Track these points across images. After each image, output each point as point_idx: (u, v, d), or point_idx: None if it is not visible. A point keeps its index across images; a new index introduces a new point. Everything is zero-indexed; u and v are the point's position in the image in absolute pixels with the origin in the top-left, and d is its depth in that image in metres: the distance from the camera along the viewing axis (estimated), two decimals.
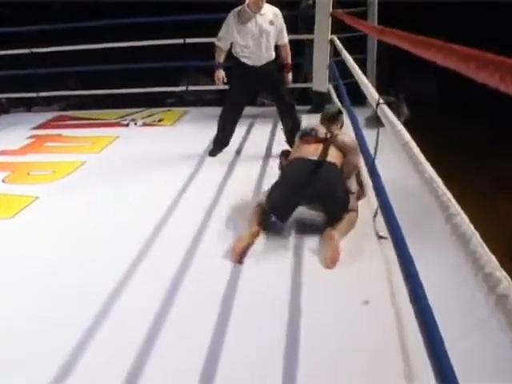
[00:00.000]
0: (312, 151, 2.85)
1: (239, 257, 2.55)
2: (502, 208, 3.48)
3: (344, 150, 2.84)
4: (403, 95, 5.07)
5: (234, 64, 4.06)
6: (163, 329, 2.08)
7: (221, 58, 4.04)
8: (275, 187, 2.81)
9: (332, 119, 3.09)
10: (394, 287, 1.81)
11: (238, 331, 2.05)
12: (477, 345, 1.67)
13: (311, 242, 2.69)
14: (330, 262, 2.49)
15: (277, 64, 4.11)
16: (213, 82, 4.16)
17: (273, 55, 4.05)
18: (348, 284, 2.33)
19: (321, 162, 2.77)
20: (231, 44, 4.02)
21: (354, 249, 2.55)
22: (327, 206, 2.72)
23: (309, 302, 2.20)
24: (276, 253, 2.64)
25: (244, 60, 3.99)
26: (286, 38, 4.10)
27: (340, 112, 3.16)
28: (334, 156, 2.84)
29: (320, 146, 2.87)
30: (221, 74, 4.09)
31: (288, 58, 4.17)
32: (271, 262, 2.57)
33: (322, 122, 3.13)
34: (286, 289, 2.31)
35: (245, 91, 4.11)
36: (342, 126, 3.13)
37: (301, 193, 2.71)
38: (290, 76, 4.22)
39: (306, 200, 2.76)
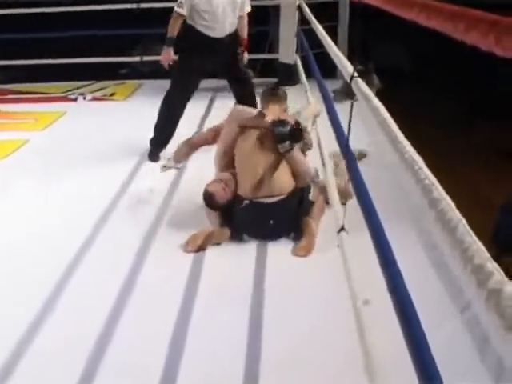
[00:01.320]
0: (261, 184, 2.62)
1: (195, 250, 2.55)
2: (475, 179, 3.53)
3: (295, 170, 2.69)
4: (372, 65, 5.07)
5: (186, 34, 3.60)
6: (117, 327, 2.07)
7: (175, 29, 3.53)
8: (233, 218, 2.68)
9: (281, 100, 2.88)
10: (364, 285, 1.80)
11: (197, 331, 2.05)
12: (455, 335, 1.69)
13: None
14: (304, 251, 2.52)
15: (235, 35, 3.73)
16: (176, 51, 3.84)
17: (235, 25, 3.67)
18: (314, 281, 2.35)
19: (277, 205, 2.62)
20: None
21: (322, 242, 2.56)
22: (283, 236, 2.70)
23: (273, 299, 2.21)
24: (239, 249, 2.62)
25: (202, 29, 3.55)
26: (248, 7, 3.72)
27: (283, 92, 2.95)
28: (285, 182, 2.65)
29: (271, 167, 2.64)
30: (170, 53, 3.60)
31: (244, 31, 3.76)
32: (234, 258, 2.56)
33: (265, 104, 2.88)
34: (249, 286, 2.31)
35: (199, 69, 3.62)
36: (285, 110, 2.93)
37: (264, 234, 2.68)
38: (245, 53, 3.82)
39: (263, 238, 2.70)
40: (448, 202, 0.87)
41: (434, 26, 0.85)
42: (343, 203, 2.38)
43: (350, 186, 1.70)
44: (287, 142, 2.61)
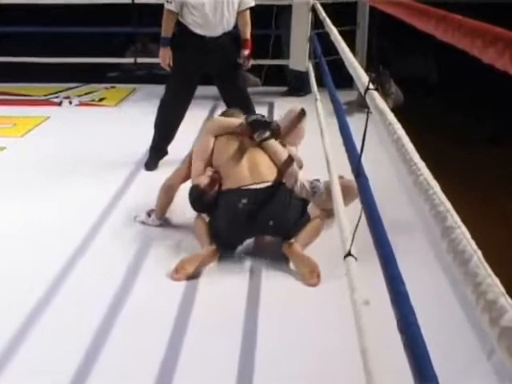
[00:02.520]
0: (246, 172, 2.83)
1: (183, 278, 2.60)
2: (502, 205, 3.56)
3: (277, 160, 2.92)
4: (387, 71, 5.15)
5: (177, 33, 3.69)
6: (102, 353, 2.11)
7: (169, 28, 3.64)
8: (219, 216, 2.78)
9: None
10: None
11: (188, 359, 2.08)
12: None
13: (269, 259, 2.75)
14: (311, 277, 2.55)
15: (236, 35, 3.80)
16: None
17: (232, 23, 3.71)
18: (310, 304, 2.39)
19: (266, 190, 2.77)
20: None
21: (322, 265, 2.59)
22: (283, 235, 2.75)
23: (267, 325, 2.25)
24: (231, 271, 2.67)
25: (192, 28, 3.62)
26: (251, 2, 3.72)
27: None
28: (269, 168, 2.88)
29: (252, 156, 2.89)
30: (167, 53, 3.67)
31: (246, 30, 3.76)
32: (226, 283, 2.60)
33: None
34: (241, 311, 2.36)
35: (192, 72, 3.70)
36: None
37: (250, 230, 2.78)
38: (247, 53, 3.79)
39: (258, 233, 2.85)
40: (462, 231, 0.90)
41: (452, 40, 0.89)
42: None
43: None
44: (263, 131, 2.92)
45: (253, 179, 2.82)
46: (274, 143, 2.97)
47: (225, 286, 2.58)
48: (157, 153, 3.90)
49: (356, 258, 1.78)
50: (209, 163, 2.97)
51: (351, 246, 1.80)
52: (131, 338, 2.22)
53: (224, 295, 2.51)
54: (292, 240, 2.70)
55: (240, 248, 2.83)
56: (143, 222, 3.09)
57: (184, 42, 3.69)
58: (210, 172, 2.90)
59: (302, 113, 3.13)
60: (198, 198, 2.83)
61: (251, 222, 2.72)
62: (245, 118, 3.02)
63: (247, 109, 3.60)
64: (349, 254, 1.84)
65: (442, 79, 6.42)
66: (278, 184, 2.84)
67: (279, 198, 2.77)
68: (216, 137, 3.02)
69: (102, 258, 2.79)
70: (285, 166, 2.91)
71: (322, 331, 2.24)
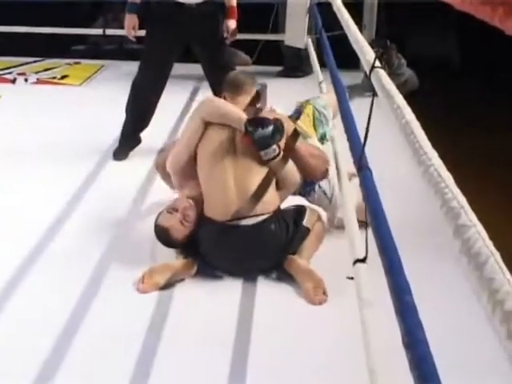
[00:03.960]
0: (233, 197, 2.61)
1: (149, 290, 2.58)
2: None
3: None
4: (394, 46, 5.15)
5: (152, 2, 3.68)
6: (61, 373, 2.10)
7: None
8: (200, 242, 2.69)
9: (252, 89, 2.91)
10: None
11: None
12: None
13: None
14: (316, 293, 2.52)
15: (221, 2, 3.83)
16: (142, 25, 3.95)
17: None
18: (312, 323, 2.39)
19: (257, 228, 2.61)
20: None
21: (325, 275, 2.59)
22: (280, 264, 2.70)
23: (260, 354, 2.24)
24: (214, 283, 2.66)
25: None
26: None
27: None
28: (262, 193, 2.64)
29: (244, 172, 2.65)
30: (133, 20, 3.68)
31: None
32: (212, 295, 2.59)
33: (232, 95, 2.88)
34: (228, 332, 2.35)
35: (169, 47, 3.71)
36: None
37: (237, 268, 2.70)
38: (232, 24, 3.84)
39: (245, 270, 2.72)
40: (478, 230, 0.90)
41: (469, 9, 0.89)
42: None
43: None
44: (272, 147, 2.63)
45: (243, 211, 2.62)
46: (283, 160, 2.71)
47: (206, 300, 2.57)
48: (128, 141, 3.89)
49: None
50: (192, 155, 2.77)
51: (366, 250, 1.80)
52: (93, 357, 2.21)
53: (206, 312, 2.49)
54: (295, 255, 2.67)
55: None
56: None
57: (159, 11, 3.67)
58: (181, 206, 2.70)
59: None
60: (164, 241, 2.72)
61: (238, 263, 2.67)
62: (247, 123, 2.64)
63: None
64: (360, 260, 1.85)
65: (465, 61, 6.43)
66: (273, 213, 2.67)
67: (275, 233, 2.65)
68: (207, 124, 2.78)
69: (60, 262, 2.78)
70: (291, 187, 2.80)
71: (325, 350, 2.24)
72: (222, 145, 2.71)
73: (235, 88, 2.91)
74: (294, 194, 2.91)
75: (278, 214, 2.70)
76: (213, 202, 2.68)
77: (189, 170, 2.79)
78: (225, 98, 2.90)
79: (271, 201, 2.68)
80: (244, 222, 2.62)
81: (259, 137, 2.60)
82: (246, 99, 2.89)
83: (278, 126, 2.64)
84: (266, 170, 2.69)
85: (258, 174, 2.68)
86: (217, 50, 3.82)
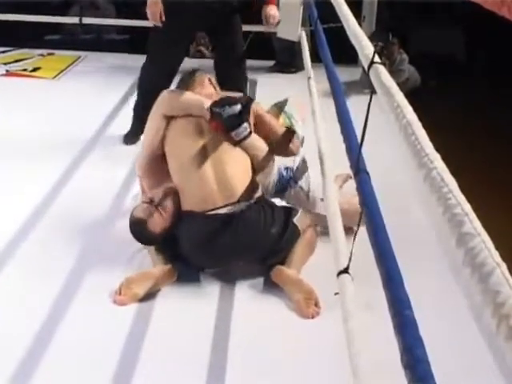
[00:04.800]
0: (213, 186, 2.64)
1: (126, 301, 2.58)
2: None
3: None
4: (396, 39, 5.17)
5: None
6: None
7: None
8: (179, 240, 2.71)
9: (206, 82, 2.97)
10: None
11: None
12: None
13: (246, 279, 2.74)
14: (307, 305, 2.52)
15: None
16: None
17: None
18: (300, 338, 2.40)
19: (242, 214, 2.64)
20: None
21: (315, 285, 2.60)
22: (271, 261, 2.71)
23: (239, 364, 2.26)
24: (194, 294, 2.67)
25: None
26: None
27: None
28: (244, 177, 2.71)
29: (220, 158, 2.69)
30: (159, 5, 3.70)
31: None
32: (190, 304, 2.60)
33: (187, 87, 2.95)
34: (208, 346, 2.36)
35: (182, 33, 3.84)
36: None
37: (223, 261, 2.72)
38: (274, 9, 4.01)
39: (229, 263, 2.76)
40: (483, 239, 0.91)
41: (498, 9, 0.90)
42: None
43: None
44: (243, 125, 2.67)
45: (223, 199, 2.65)
46: (253, 137, 2.78)
47: (186, 312, 2.57)
48: (139, 123, 3.80)
49: (352, 277, 1.79)
50: (159, 154, 2.81)
51: (350, 260, 1.81)
52: (66, 373, 2.21)
53: (185, 325, 2.50)
54: (284, 265, 2.67)
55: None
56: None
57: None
58: (157, 196, 2.71)
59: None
60: (141, 235, 2.70)
61: (224, 255, 2.67)
62: (212, 105, 2.72)
63: (238, 84, 3.78)
64: (344, 270, 1.85)
65: (471, 58, 6.48)
66: (256, 200, 2.71)
67: (262, 222, 2.66)
68: (168, 118, 2.83)
69: (29, 269, 2.78)
70: (266, 163, 2.84)
71: (312, 367, 2.24)
72: (190, 136, 2.76)
73: (185, 82, 2.99)
74: (270, 195, 2.94)
75: (263, 202, 2.72)
76: (190, 195, 2.70)
77: (159, 171, 2.82)
78: None
79: (252, 188, 2.72)
80: (225, 210, 2.64)
81: (228, 116, 2.66)
82: (201, 90, 2.94)
83: (245, 102, 2.71)
84: (241, 153, 2.74)
85: (234, 158, 2.73)
86: (234, 38, 3.96)
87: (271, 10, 4.00)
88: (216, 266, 2.74)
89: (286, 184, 2.92)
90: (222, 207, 2.64)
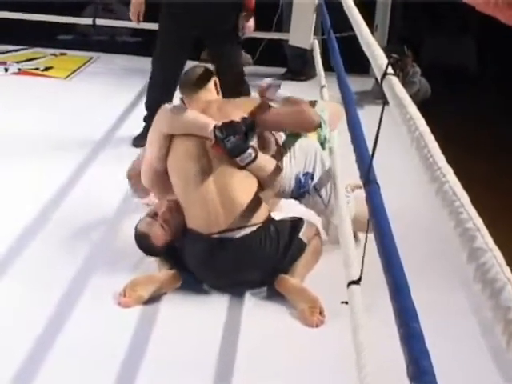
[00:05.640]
0: (218, 209, 2.59)
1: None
2: None
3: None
4: (410, 51, 5.16)
5: None
6: None
7: None
8: (185, 254, 2.71)
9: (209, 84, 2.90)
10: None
11: None
12: None
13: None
14: (312, 314, 2.50)
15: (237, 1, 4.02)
16: (144, 17, 4.03)
17: None
18: (305, 348, 2.39)
19: (248, 238, 2.60)
20: None
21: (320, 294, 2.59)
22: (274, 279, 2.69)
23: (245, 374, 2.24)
24: (198, 302, 2.66)
25: None
26: None
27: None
28: (249, 200, 2.62)
29: (224, 179, 2.62)
30: (142, 6, 3.89)
31: None
32: (197, 310, 2.59)
33: (189, 94, 2.89)
34: (213, 354, 2.35)
35: (177, 38, 3.92)
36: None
37: (228, 284, 2.71)
38: (250, 20, 4.09)
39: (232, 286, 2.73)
40: (495, 254, 0.91)
41: (493, 12, 0.90)
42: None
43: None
44: (247, 152, 2.62)
45: (227, 222, 2.60)
46: (260, 158, 2.69)
47: (191, 317, 2.56)
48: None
49: (360, 286, 1.79)
50: (162, 169, 2.77)
51: (362, 271, 1.81)
52: (69, 376, 2.20)
53: (189, 330, 2.49)
54: (287, 274, 2.66)
55: None
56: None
57: (171, 7, 3.84)
58: (162, 211, 2.71)
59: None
60: (145, 248, 2.71)
61: (226, 277, 2.68)
62: (214, 129, 2.60)
63: (237, 89, 3.72)
64: (355, 281, 1.85)
65: (483, 69, 6.45)
66: (262, 222, 2.66)
67: (264, 247, 2.64)
68: (170, 136, 2.74)
69: (37, 268, 2.78)
70: (274, 181, 2.77)
71: (316, 378, 2.23)
72: (193, 155, 2.68)
73: (190, 86, 2.91)
74: (286, 197, 2.91)
75: (270, 223, 2.69)
76: (195, 215, 2.67)
77: (166, 182, 2.79)
78: (182, 101, 2.91)
79: (259, 210, 2.66)
80: (230, 235, 2.62)
81: (232, 146, 2.59)
82: (205, 95, 2.88)
83: (249, 125, 2.64)
84: (247, 174, 2.67)
85: (239, 180, 2.66)
86: (228, 42, 3.96)
87: (249, 21, 4.08)
88: (218, 285, 2.73)
89: (303, 190, 2.87)
90: (226, 231, 2.61)
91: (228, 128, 2.60)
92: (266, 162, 2.73)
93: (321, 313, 2.52)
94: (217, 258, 2.62)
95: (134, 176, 3.05)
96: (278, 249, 2.67)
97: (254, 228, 2.63)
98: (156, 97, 3.92)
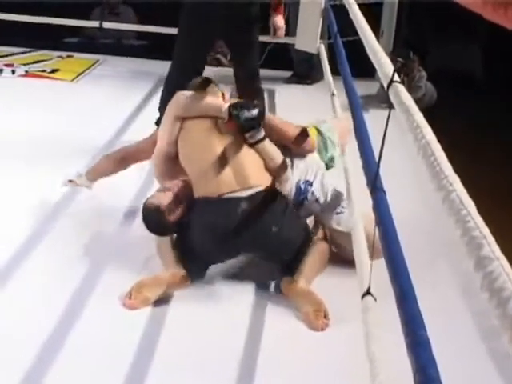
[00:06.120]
0: (229, 174, 2.71)
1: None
2: None
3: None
4: (416, 56, 5.16)
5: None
6: None
7: None
8: (191, 234, 2.74)
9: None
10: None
11: None
12: None
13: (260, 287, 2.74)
14: (316, 317, 2.50)
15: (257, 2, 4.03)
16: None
17: None
18: (313, 353, 2.38)
19: (257, 198, 2.69)
20: None
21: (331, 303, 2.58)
22: (279, 261, 2.74)
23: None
24: (207, 300, 2.67)
25: None
26: None
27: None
28: (260, 170, 2.78)
29: (236, 153, 2.77)
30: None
31: None
32: (201, 315, 2.59)
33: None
34: (217, 353, 2.35)
35: (200, 41, 3.93)
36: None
37: (233, 252, 2.75)
38: (279, 21, 4.14)
39: (240, 253, 2.79)
40: (502, 263, 0.91)
41: (503, 21, 0.90)
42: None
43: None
44: (257, 129, 2.79)
45: (238, 184, 2.71)
46: (267, 142, 2.85)
47: (197, 319, 2.56)
48: None
49: (375, 299, 1.78)
50: (173, 154, 2.89)
51: (370, 281, 1.80)
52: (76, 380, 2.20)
53: (196, 331, 2.49)
54: (293, 276, 2.65)
55: (222, 269, 2.82)
56: (71, 181, 3.15)
57: (191, 9, 3.84)
58: (173, 185, 2.78)
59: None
60: (156, 222, 2.71)
61: (236, 243, 2.68)
62: (229, 106, 2.79)
63: (252, 93, 3.78)
64: (367, 292, 1.85)
65: (489, 76, 6.44)
66: (273, 191, 2.76)
67: (275, 210, 2.71)
68: (182, 120, 2.91)
69: (44, 270, 2.79)
70: (282, 170, 2.84)
71: (321, 382, 2.24)
72: (206, 132, 2.85)
73: (200, 89, 2.99)
74: None
75: (278, 192, 2.78)
76: (206, 181, 2.75)
77: (175, 171, 2.89)
78: None
79: (264, 176, 2.79)
80: (239, 194, 2.70)
81: (246, 119, 2.76)
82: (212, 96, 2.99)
83: (261, 108, 2.86)
84: (255, 154, 2.82)
85: (249, 153, 2.80)
86: (249, 50, 3.98)
87: (279, 21, 4.14)
88: (225, 254, 2.75)
89: (303, 196, 2.90)
90: (235, 191, 2.70)
91: (242, 104, 2.82)
92: (273, 150, 2.86)
93: (325, 316, 2.52)
94: (224, 217, 2.66)
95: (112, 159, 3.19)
96: (284, 217, 2.72)
97: (261, 188, 2.72)
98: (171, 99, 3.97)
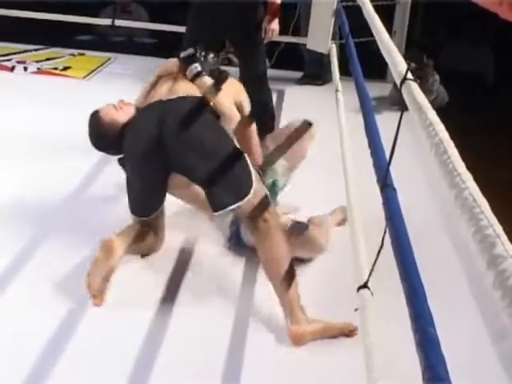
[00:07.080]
0: (164, 90, 2.95)
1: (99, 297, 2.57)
2: None
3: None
4: (431, 61, 5.14)
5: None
6: None
7: None
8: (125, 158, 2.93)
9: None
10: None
11: None
12: None
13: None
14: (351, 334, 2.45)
15: (261, 2, 4.05)
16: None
17: None
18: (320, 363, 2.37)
19: (184, 102, 2.85)
20: None
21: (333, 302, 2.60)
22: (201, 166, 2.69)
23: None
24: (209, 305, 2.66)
25: None
26: None
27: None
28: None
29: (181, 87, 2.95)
30: None
31: None
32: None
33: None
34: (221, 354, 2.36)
35: (206, 40, 3.89)
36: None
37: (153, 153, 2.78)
38: (274, 23, 4.15)
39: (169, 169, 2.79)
40: None
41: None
42: None
43: None
44: (194, 64, 2.96)
45: (170, 94, 2.89)
46: (220, 96, 2.92)
47: (201, 321, 2.57)
48: None
49: (372, 292, 1.78)
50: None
51: (369, 276, 1.80)
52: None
53: (199, 332, 2.50)
54: (291, 327, 2.45)
55: (222, 269, 2.82)
56: None
57: (196, 9, 3.90)
58: (128, 107, 3.02)
59: (305, 126, 3.14)
60: (92, 126, 3.01)
61: (159, 143, 2.75)
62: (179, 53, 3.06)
63: (257, 92, 3.74)
64: (364, 285, 1.85)
65: (500, 78, 6.43)
66: (199, 101, 2.87)
67: (197, 116, 2.80)
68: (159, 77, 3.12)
69: (45, 269, 2.79)
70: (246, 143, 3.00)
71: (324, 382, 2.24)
72: (167, 83, 3.04)
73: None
74: None
75: (201, 103, 2.93)
76: (151, 98, 3.01)
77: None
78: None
79: (195, 90, 2.96)
80: (176, 96, 2.91)
81: (185, 55, 3.01)
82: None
83: (211, 61, 3.11)
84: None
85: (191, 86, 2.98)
86: (252, 50, 3.99)
87: (274, 24, 4.15)
88: (150, 159, 2.81)
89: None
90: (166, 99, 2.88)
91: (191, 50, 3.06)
92: (225, 102, 2.92)
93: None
94: (146, 121, 2.85)
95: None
96: (208, 126, 2.84)
97: (185, 95, 2.88)
98: None
